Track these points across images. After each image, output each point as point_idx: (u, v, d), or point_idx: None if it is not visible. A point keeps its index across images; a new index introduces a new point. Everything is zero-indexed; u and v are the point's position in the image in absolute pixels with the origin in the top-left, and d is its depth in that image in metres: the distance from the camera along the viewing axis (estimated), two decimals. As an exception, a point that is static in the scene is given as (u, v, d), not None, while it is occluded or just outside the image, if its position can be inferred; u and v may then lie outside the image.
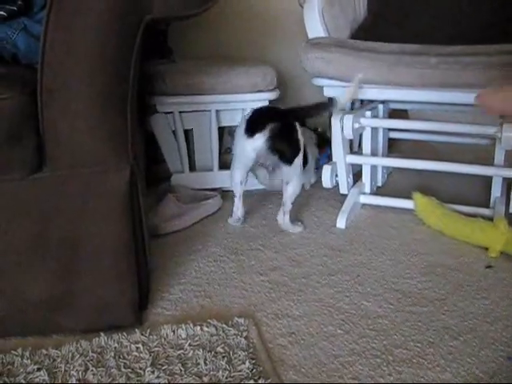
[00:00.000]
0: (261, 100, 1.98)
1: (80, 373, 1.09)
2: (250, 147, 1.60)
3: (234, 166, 1.71)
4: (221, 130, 2.06)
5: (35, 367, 1.11)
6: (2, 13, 1.31)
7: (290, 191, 1.70)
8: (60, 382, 1.07)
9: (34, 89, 1.11)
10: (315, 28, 1.82)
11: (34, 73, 1.11)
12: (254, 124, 1.61)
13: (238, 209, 1.78)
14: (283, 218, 1.73)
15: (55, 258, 1.18)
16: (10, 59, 1.33)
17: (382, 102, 1.95)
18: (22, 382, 1.07)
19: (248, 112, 1.74)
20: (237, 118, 2.02)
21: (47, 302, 1.19)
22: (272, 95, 1.99)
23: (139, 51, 1.17)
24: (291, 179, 1.69)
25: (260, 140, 1.58)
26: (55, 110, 1.12)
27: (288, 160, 1.63)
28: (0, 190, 1.13)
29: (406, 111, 2.31)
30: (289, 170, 1.65)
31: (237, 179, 1.72)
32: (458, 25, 1.83)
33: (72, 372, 1.09)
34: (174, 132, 2.00)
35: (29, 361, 1.12)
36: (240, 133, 1.64)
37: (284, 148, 1.61)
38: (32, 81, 1.11)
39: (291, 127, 1.65)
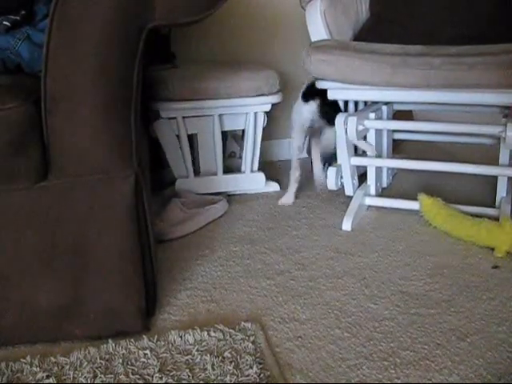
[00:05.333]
0: (264, 104, 1.99)
1: (88, 380, 1.09)
2: (306, 111, 1.92)
3: (294, 131, 2.00)
4: (224, 134, 2.06)
5: (44, 375, 1.11)
6: (5, 23, 1.32)
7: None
8: (69, 389, 1.08)
9: (37, 98, 1.12)
10: (318, 30, 1.82)
11: (38, 82, 1.12)
12: (309, 94, 1.93)
13: (296, 172, 2.01)
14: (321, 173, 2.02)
15: (62, 266, 1.18)
16: (13, 68, 1.34)
17: (386, 103, 1.95)
18: (31, 389, 1.08)
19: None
20: (240, 122, 2.03)
21: (55, 310, 1.20)
22: (275, 98, 1.99)
23: (142, 57, 1.18)
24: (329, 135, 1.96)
25: (314, 105, 1.90)
26: (59, 118, 1.13)
27: (333, 123, 1.87)
28: (6, 199, 1.14)
29: (410, 111, 2.31)
30: (331, 131, 1.89)
31: (296, 143, 2.00)
32: (461, 24, 1.82)
33: (80, 379, 1.10)
34: (177, 137, 2.00)
35: (38, 368, 1.13)
36: (298, 102, 1.96)
37: (330, 114, 1.86)
38: (36, 90, 1.12)
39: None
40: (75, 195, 1.17)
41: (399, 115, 2.12)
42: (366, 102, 1.98)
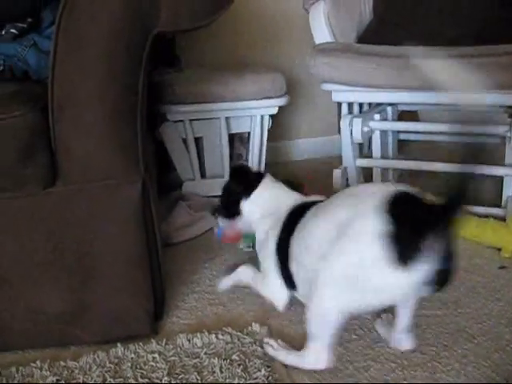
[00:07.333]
0: (270, 106, 1.99)
1: (98, 384, 1.11)
2: None
3: None
4: (231, 136, 2.07)
5: (54, 379, 1.12)
6: (12, 31, 1.33)
7: None
8: (79, 393, 1.09)
9: (45, 105, 1.12)
10: (321, 33, 1.83)
11: (45, 88, 1.13)
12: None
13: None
14: None
15: (70, 271, 1.19)
16: (21, 76, 1.35)
17: (391, 104, 1.95)
18: (42, 394, 1.09)
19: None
20: (246, 125, 2.04)
21: (64, 315, 1.21)
22: (281, 101, 2.00)
23: (147, 63, 1.18)
24: None
25: None
26: (66, 125, 1.13)
27: None
28: (15, 205, 1.15)
29: (415, 112, 2.31)
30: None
31: None
32: (464, 26, 1.83)
33: (90, 383, 1.11)
34: (183, 140, 2.01)
35: (48, 373, 1.14)
36: None
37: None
38: (43, 97, 1.13)
39: None
40: (83, 200, 1.18)
41: (404, 116, 2.12)
42: (370, 104, 1.99)
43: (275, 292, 1.29)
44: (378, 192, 1.02)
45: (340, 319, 1.03)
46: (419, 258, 0.92)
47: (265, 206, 1.36)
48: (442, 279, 0.96)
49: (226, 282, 1.41)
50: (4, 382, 1.12)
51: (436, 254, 0.93)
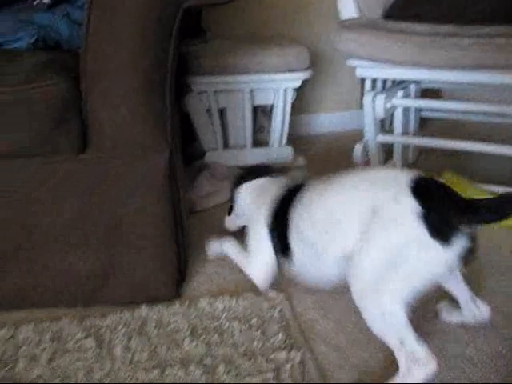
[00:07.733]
0: (294, 80, 2.01)
1: (124, 341, 1.17)
2: None
3: None
4: (254, 108, 2.09)
5: (83, 335, 1.19)
6: (46, 1, 1.36)
7: None
8: (106, 349, 1.15)
9: (77, 74, 1.16)
10: (348, 7, 1.83)
11: (77, 58, 1.16)
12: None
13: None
14: None
15: (99, 234, 1.25)
16: (53, 45, 1.39)
17: (414, 81, 1.96)
18: (72, 347, 1.16)
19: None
20: (270, 97, 2.06)
21: (92, 275, 1.27)
22: (305, 75, 2.02)
23: (177, 36, 1.21)
24: None
25: None
26: (98, 94, 1.17)
27: None
28: (50, 170, 1.21)
29: (438, 89, 2.31)
30: None
31: None
32: (492, 2, 1.81)
33: (116, 340, 1.17)
34: (208, 111, 2.04)
35: (77, 329, 1.21)
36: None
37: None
38: (75, 67, 1.16)
39: None
40: (112, 168, 1.22)
41: (427, 94, 2.12)
42: (393, 80, 1.99)
43: (259, 271, 1.31)
44: (397, 177, 1.07)
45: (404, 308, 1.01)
46: (459, 234, 0.98)
47: (256, 191, 1.42)
48: (468, 257, 1.02)
49: (214, 249, 1.45)
50: (38, 336, 1.19)
51: (470, 233, 1.00)
